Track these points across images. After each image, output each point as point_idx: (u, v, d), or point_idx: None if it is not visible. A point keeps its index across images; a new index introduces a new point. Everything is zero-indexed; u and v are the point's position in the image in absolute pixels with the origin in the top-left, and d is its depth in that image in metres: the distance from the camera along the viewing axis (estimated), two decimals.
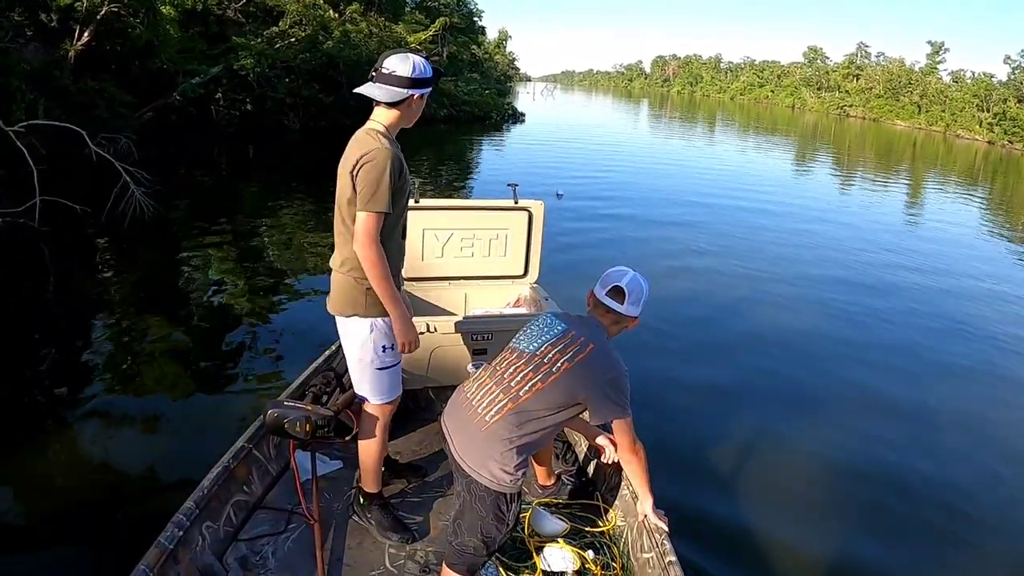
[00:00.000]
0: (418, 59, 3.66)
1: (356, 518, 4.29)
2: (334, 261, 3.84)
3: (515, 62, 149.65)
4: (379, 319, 3.81)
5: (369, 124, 3.71)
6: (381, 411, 4.08)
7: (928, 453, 6.74)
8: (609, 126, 51.97)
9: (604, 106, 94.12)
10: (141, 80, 20.48)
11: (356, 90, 3.74)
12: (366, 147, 3.55)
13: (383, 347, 3.88)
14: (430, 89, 3.78)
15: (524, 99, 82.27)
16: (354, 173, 3.55)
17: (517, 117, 46.53)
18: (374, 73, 3.64)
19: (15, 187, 10.80)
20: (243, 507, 4.23)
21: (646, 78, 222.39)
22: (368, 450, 4.14)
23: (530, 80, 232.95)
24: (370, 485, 4.23)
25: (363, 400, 4.06)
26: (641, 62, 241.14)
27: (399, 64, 3.59)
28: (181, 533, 3.61)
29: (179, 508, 3.74)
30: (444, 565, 3.53)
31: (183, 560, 3.59)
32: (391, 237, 3.74)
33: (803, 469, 6.28)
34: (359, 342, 3.87)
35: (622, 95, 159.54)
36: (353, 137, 3.70)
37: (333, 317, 3.95)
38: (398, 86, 3.60)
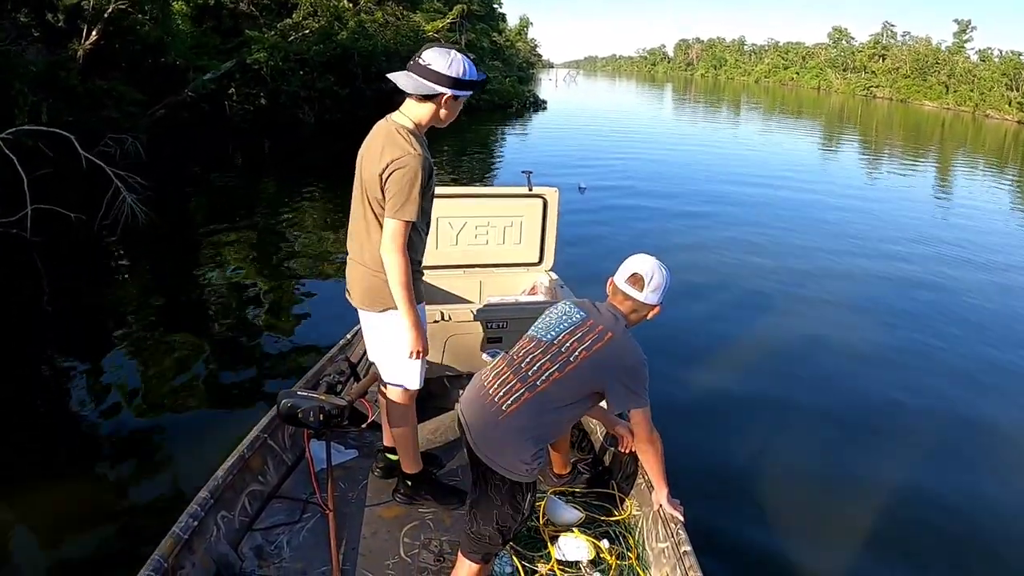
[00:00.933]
0: (461, 58, 3.54)
1: (406, 503, 4.33)
2: (361, 258, 3.82)
3: (537, 49, 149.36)
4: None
5: (397, 117, 3.63)
6: (411, 397, 4.12)
7: (973, 473, 6.27)
8: (632, 112, 51.46)
9: (627, 91, 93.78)
10: (152, 78, 20.00)
11: (388, 75, 3.62)
12: (397, 151, 3.47)
13: None
14: (468, 93, 3.63)
15: (546, 86, 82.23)
16: (383, 176, 3.49)
17: (539, 105, 45.72)
18: (411, 62, 3.55)
19: (6, 196, 10.41)
20: (258, 497, 4.26)
21: (669, 62, 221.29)
22: (403, 434, 4.20)
23: (552, 67, 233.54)
24: (411, 467, 4.28)
25: (398, 388, 4.07)
26: (664, 46, 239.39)
27: (437, 57, 3.49)
28: (196, 523, 3.63)
29: (194, 498, 3.76)
30: (460, 553, 3.51)
31: (198, 550, 3.61)
32: (417, 235, 3.74)
33: (827, 473, 6.07)
34: (395, 333, 3.86)
35: (645, 80, 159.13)
36: (378, 128, 3.66)
37: (352, 309, 4.04)
38: (427, 79, 3.48)
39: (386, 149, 3.51)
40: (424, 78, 3.47)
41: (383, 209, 3.56)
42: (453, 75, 3.47)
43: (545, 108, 45.19)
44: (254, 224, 13.39)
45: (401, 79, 3.51)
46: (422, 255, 3.90)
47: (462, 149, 24.69)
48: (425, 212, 3.70)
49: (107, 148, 15.32)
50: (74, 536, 4.80)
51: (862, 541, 5.21)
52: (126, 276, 10.51)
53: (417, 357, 3.88)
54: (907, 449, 6.49)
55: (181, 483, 4.77)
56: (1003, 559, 5.20)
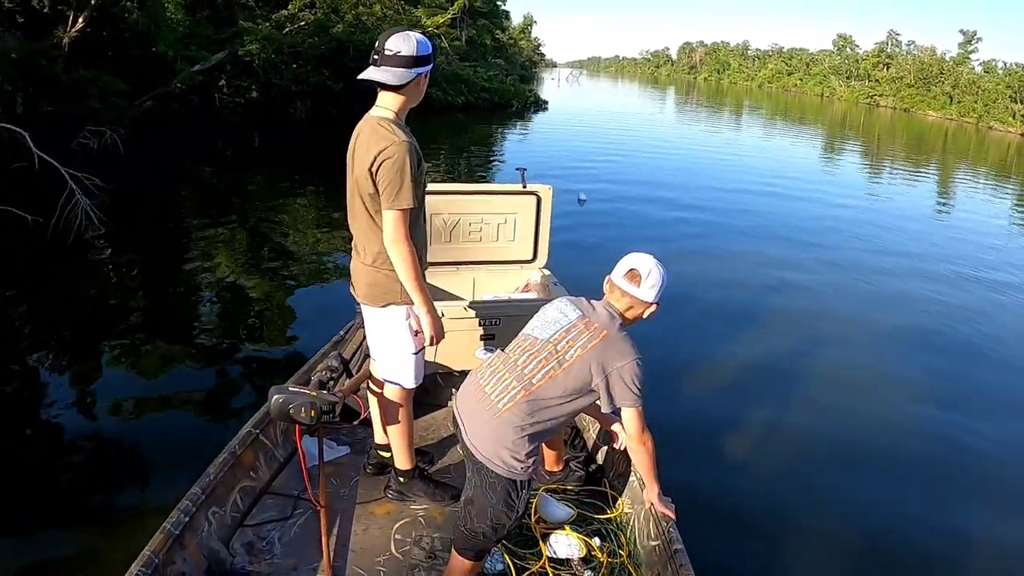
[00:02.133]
0: (418, 35, 3.58)
1: (397, 499, 4.38)
2: (362, 256, 3.86)
3: (540, 48, 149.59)
4: (411, 305, 3.83)
5: (377, 112, 3.66)
6: (408, 394, 4.14)
7: (968, 501, 6.14)
8: (634, 114, 50.76)
9: (630, 93, 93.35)
10: (141, 68, 19.46)
11: (361, 76, 3.61)
12: (383, 142, 3.50)
13: (416, 332, 3.92)
14: (432, 66, 3.69)
15: (549, 85, 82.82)
16: (373, 170, 3.51)
17: (540, 105, 45.12)
18: (376, 56, 3.53)
19: None
20: (250, 493, 4.29)
21: (673, 65, 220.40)
22: (396, 431, 4.21)
23: (556, 66, 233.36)
24: (404, 462, 4.31)
25: (394, 386, 4.09)
26: (668, 49, 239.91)
27: (403, 43, 3.50)
28: (187, 519, 3.68)
29: (185, 494, 3.80)
30: (453, 549, 3.56)
31: (189, 545, 3.65)
32: (415, 226, 3.74)
33: (819, 465, 6.27)
34: (396, 329, 3.92)
35: (648, 82, 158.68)
36: (361, 125, 3.68)
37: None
38: (405, 67, 3.52)
39: (371, 143, 3.52)
40: (400, 66, 3.50)
41: (378, 205, 3.59)
42: (420, 54, 3.53)
43: (546, 108, 44.65)
44: (244, 219, 13.23)
45: (379, 75, 3.51)
46: (421, 248, 3.86)
47: (460, 148, 24.42)
48: (421, 206, 3.75)
49: (85, 140, 14.89)
50: (64, 533, 4.81)
51: (853, 548, 5.27)
52: (107, 274, 10.16)
53: (435, 343, 3.90)
54: (900, 469, 6.37)
55: (172, 480, 4.58)
56: None
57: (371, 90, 3.65)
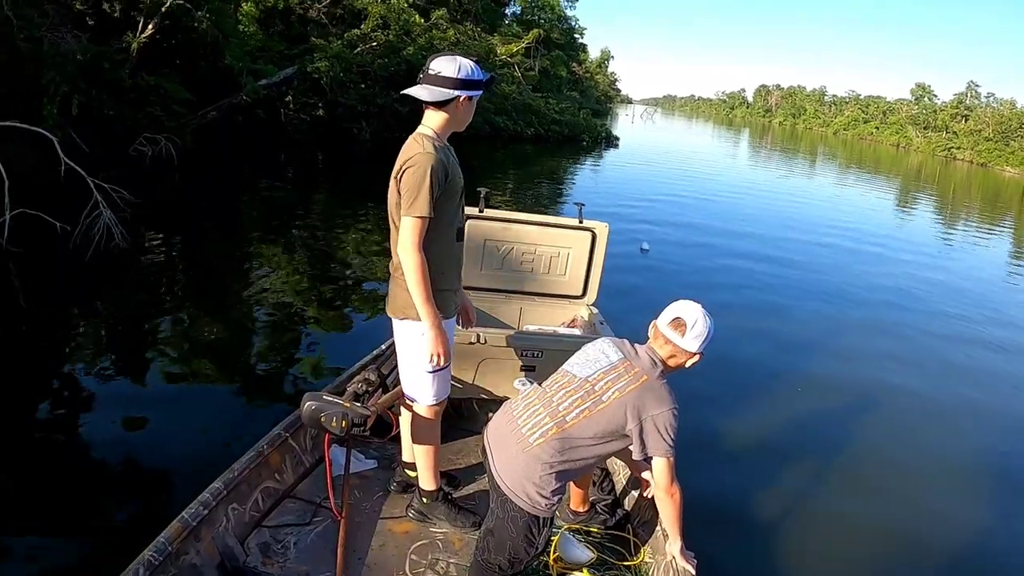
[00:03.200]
0: (465, 61, 3.70)
1: (418, 519, 4.35)
2: (390, 265, 3.93)
3: (616, 83, 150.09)
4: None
5: (419, 129, 3.77)
6: (432, 412, 4.14)
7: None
8: (707, 156, 49.65)
9: (704, 133, 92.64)
10: (209, 78, 19.50)
11: (404, 91, 3.82)
12: (410, 152, 3.62)
13: None
14: (479, 92, 3.81)
15: (623, 121, 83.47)
16: (398, 178, 3.64)
17: (611, 141, 44.01)
18: (421, 75, 3.71)
19: None
20: (272, 494, 4.31)
21: (748, 107, 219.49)
22: (422, 450, 4.22)
23: (631, 102, 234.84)
24: (429, 483, 4.30)
25: (414, 401, 4.12)
26: (744, 90, 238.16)
27: (445, 65, 3.66)
28: (206, 512, 3.70)
29: (207, 487, 3.83)
30: None
31: (205, 538, 3.66)
32: (442, 241, 3.81)
33: (849, 540, 5.82)
34: (411, 343, 3.95)
35: (723, 123, 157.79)
36: (406, 142, 3.76)
37: (390, 320, 4.05)
38: (443, 86, 3.65)
39: (403, 154, 3.66)
40: (438, 85, 3.64)
41: (399, 212, 3.66)
42: (463, 77, 3.64)
43: (617, 145, 43.47)
44: (299, 236, 13.35)
45: (418, 91, 3.68)
46: (451, 267, 3.98)
47: (525, 180, 24.04)
48: (449, 219, 3.82)
49: (142, 147, 14.76)
50: (81, 518, 4.85)
51: None
52: (152, 280, 10.21)
53: (438, 363, 3.87)
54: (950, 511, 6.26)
55: (195, 474, 4.44)
56: None
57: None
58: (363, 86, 25.49)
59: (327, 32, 26.51)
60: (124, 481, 5.36)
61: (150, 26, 17.41)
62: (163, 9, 17.28)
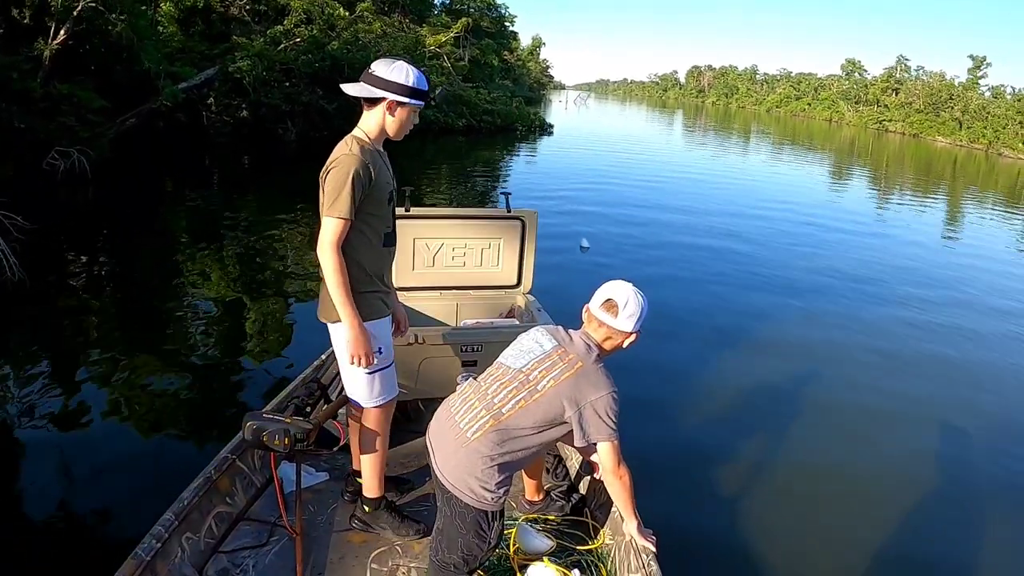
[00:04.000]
0: (407, 66, 3.70)
1: (362, 527, 4.30)
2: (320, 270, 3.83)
3: (549, 70, 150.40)
4: (366, 322, 3.80)
5: (353, 132, 3.76)
6: (376, 415, 4.10)
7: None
8: (641, 138, 49.66)
9: (638, 116, 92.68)
10: (126, 83, 18.84)
11: (341, 86, 3.83)
12: (336, 153, 3.61)
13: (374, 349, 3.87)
14: (417, 101, 3.76)
15: (557, 108, 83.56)
16: (322, 178, 3.62)
17: (545, 129, 43.48)
18: (362, 75, 3.70)
19: None
20: (225, 519, 4.22)
21: (681, 88, 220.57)
22: (368, 457, 4.18)
23: (564, 88, 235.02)
24: (373, 490, 4.26)
25: (358, 407, 4.11)
26: (676, 72, 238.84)
27: (383, 67, 3.66)
28: (159, 545, 3.62)
29: (158, 519, 3.74)
30: None
31: (161, 572, 3.59)
32: (369, 245, 3.80)
33: (805, 500, 6.12)
34: (337, 346, 3.94)
35: (656, 105, 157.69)
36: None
37: (325, 326, 4.01)
38: (374, 85, 3.64)
39: (331, 155, 3.63)
40: (370, 84, 3.63)
41: None
42: (395, 80, 3.62)
43: (551, 133, 43.12)
44: (228, 244, 12.90)
45: (351, 87, 3.69)
46: (380, 269, 3.94)
47: (460, 173, 23.72)
48: (375, 224, 3.80)
49: (54, 161, 14.17)
50: (32, 559, 4.74)
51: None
52: (87, 298, 9.82)
53: (360, 365, 3.83)
54: (889, 505, 6.16)
55: (146, 506, 4.32)
56: None
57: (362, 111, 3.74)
58: (287, 84, 24.92)
59: (250, 30, 25.90)
60: (69, 527, 5.11)
61: (62, 31, 16.74)
62: (75, 13, 16.62)
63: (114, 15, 17.41)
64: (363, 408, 4.08)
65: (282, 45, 25.45)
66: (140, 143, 18.58)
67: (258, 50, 23.77)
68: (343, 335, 3.80)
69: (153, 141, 19.49)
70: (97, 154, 15.84)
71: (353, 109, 3.68)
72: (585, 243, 12.86)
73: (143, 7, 20.08)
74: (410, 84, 3.65)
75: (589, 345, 3.43)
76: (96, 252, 11.69)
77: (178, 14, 23.50)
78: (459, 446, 3.29)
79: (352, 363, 3.83)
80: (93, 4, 16.72)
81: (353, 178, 3.53)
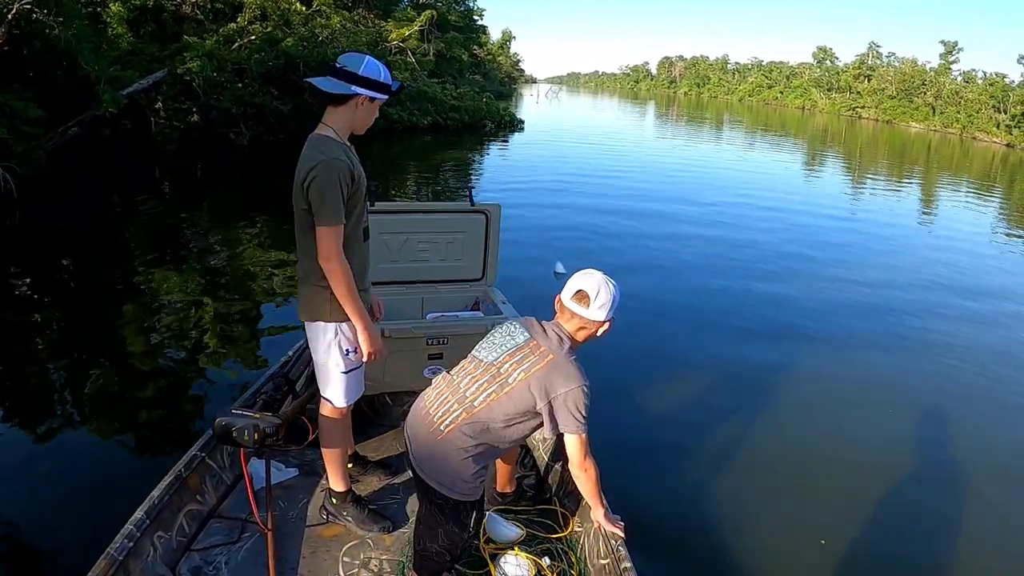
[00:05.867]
0: (375, 61, 3.71)
1: (330, 520, 4.34)
2: (298, 270, 3.94)
3: (519, 64, 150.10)
4: (343, 324, 3.87)
5: (319, 129, 3.73)
6: (344, 412, 4.18)
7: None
8: (612, 131, 49.07)
9: (610, 108, 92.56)
10: (68, 90, 17.64)
11: (308, 80, 3.86)
12: (312, 160, 3.57)
13: (346, 351, 3.95)
14: (383, 96, 3.78)
15: (528, 102, 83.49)
16: (306, 187, 3.58)
17: (515, 125, 41.73)
18: (329, 69, 3.70)
19: None
20: (196, 516, 4.24)
21: (652, 80, 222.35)
22: (331, 452, 4.24)
23: (535, 82, 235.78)
24: (339, 484, 4.32)
25: (327, 403, 4.13)
26: (647, 63, 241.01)
27: (351, 61, 3.66)
28: (131, 544, 3.62)
29: (129, 519, 3.74)
30: (412, 570, 3.69)
31: (134, 571, 3.59)
32: (352, 242, 3.81)
33: (770, 484, 6.21)
34: (324, 346, 3.95)
35: (628, 96, 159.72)
36: (306, 142, 3.70)
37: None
38: (343, 80, 3.63)
39: (306, 160, 3.60)
40: (338, 78, 3.62)
41: (310, 220, 3.63)
42: (365, 75, 3.63)
43: (522, 129, 41.49)
44: (187, 253, 12.50)
45: (320, 81, 3.65)
46: (364, 265, 4.00)
47: (426, 175, 22.84)
48: (355, 220, 3.82)
49: None
50: (1, 560, 4.74)
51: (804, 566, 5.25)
52: (42, 311, 9.66)
53: (370, 360, 3.96)
54: (855, 488, 6.27)
55: (117, 505, 4.14)
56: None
57: (321, 113, 3.71)
58: (239, 86, 23.66)
59: (203, 29, 24.78)
60: (39, 528, 5.01)
61: None
62: (9, 16, 15.58)
63: (50, 17, 16.32)
64: (333, 405, 4.10)
65: (236, 44, 24.35)
66: (83, 153, 17.56)
67: (208, 49, 22.66)
68: (324, 334, 3.89)
69: (98, 151, 18.46)
70: (30, 169, 14.66)
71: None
72: (560, 268, 12.14)
73: (81, 8, 18.97)
74: (381, 80, 3.68)
75: (561, 337, 3.45)
76: (39, 272, 11.13)
77: (127, 14, 22.38)
78: (434, 439, 3.35)
79: (367, 361, 3.97)
80: (28, 6, 15.64)
81: (338, 183, 3.55)
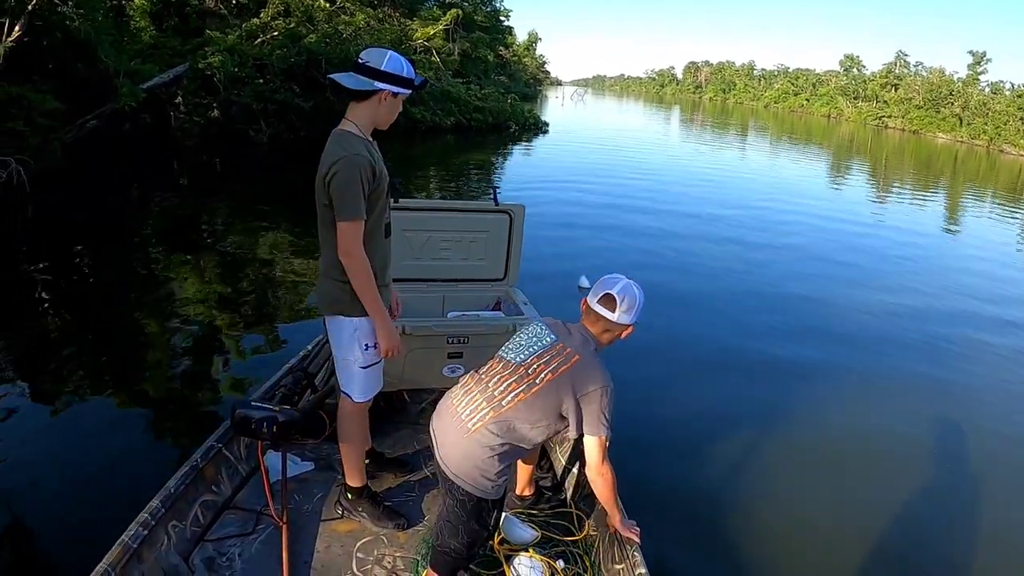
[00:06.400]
0: (398, 56, 3.72)
1: (345, 515, 4.35)
2: (320, 264, 3.97)
3: (545, 65, 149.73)
4: (363, 319, 3.89)
5: (342, 124, 3.75)
6: (363, 408, 4.19)
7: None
8: (638, 135, 48.80)
9: (635, 112, 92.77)
10: (88, 83, 17.57)
11: (331, 76, 3.81)
12: (334, 156, 3.58)
13: (365, 346, 3.96)
14: (406, 91, 3.78)
15: (553, 104, 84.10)
16: (327, 182, 3.60)
17: (539, 127, 41.37)
18: (352, 65, 3.69)
19: None
20: (211, 507, 4.27)
21: (678, 84, 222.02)
22: (350, 446, 4.26)
23: (561, 84, 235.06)
24: (355, 480, 4.33)
25: (346, 397, 4.13)
26: (673, 68, 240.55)
27: (374, 56, 3.66)
28: (146, 532, 3.67)
29: (145, 507, 3.78)
30: (428, 566, 3.66)
31: (148, 559, 3.63)
32: (373, 238, 3.83)
33: (791, 505, 6.04)
34: (343, 341, 3.97)
35: (653, 101, 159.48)
36: (329, 138, 3.73)
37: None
38: (366, 75, 3.63)
39: (327, 155, 3.61)
40: (361, 74, 3.62)
41: (331, 215, 3.66)
42: (388, 70, 3.63)
43: (546, 131, 41.13)
44: (208, 249, 12.63)
45: (342, 77, 3.65)
46: (384, 261, 4.02)
47: (448, 176, 22.66)
48: (377, 217, 3.83)
49: None
50: (21, 547, 4.82)
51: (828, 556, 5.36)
52: (61, 302, 9.70)
53: (388, 356, 3.97)
54: (874, 484, 6.38)
55: (133, 494, 4.19)
56: None
57: (343, 111, 3.72)
58: (260, 81, 23.60)
59: (226, 24, 24.72)
60: (56, 515, 5.05)
61: (16, 28, 15.56)
62: (30, 8, 15.46)
63: (72, 9, 16.22)
64: (351, 400, 4.11)
65: (258, 39, 24.30)
66: (103, 147, 17.53)
67: (230, 44, 22.64)
68: (344, 328, 3.91)
69: (118, 144, 18.46)
70: (45, 161, 14.65)
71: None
72: (585, 282, 12.01)
73: (105, 0, 18.88)
74: (404, 74, 3.67)
75: (586, 338, 3.51)
76: (55, 264, 11.10)
77: (151, 7, 22.36)
78: (461, 436, 3.39)
79: (386, 357, 3.99)
80: None
81: (360, 178, 3.56)
